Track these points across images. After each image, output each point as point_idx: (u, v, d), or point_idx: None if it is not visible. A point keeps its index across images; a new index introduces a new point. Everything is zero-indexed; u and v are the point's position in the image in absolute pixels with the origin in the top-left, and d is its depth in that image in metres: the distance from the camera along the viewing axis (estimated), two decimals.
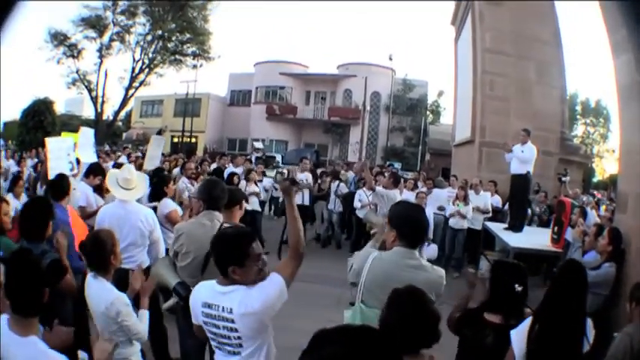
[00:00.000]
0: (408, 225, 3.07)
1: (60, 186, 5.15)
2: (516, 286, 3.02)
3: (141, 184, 5.45)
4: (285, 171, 3.09)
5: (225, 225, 3.93)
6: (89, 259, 3.33)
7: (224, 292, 2.71)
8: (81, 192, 6.50)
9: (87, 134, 8.69)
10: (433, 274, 3.01)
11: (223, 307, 2.67)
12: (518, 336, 2.95)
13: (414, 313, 2.27)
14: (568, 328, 2.96)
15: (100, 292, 3.23)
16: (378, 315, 2.69)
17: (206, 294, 2.80)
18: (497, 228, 9.65)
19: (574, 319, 2.99)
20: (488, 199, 10.86)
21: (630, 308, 3.28)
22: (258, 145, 35.51)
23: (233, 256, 2.69)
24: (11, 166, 11.95)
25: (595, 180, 44.41)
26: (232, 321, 2.64)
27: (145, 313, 3.40)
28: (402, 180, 11.34)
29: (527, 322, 3.00)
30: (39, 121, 27.05)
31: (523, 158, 9.10)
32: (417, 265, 3.00)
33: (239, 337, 2.67)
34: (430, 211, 9.47)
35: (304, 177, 11.35)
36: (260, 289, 2.67)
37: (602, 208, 12.17)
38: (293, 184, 2.97)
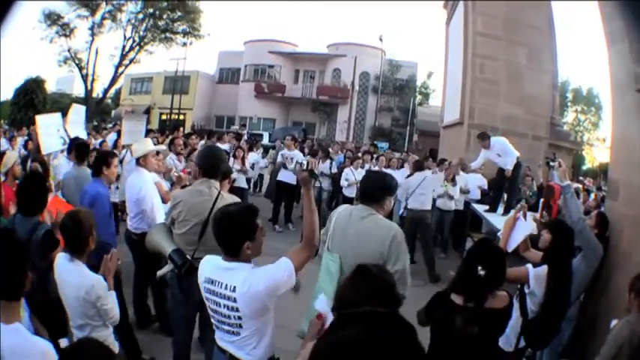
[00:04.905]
0: (362, 186, 3.70)
1: (96, 162, 5.14)
2: (479, 268, 2.98)
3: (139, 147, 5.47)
4: (304, 162, 3.14)
5: (223, 194, 3.96)
6: (67, 240, 3.23)
7: (228, 269, 2.64)
8: (62, 167, 6.73)
9: (78, 111, 8.82)
10: (381, 223, 3.44)
11: (226, 285, 2.59)
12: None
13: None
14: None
15: (78, 276, 3.13)
16: (335, 259, 3.42)
17: (210, 269, 2.73)
18: (485, 210, 9.73)
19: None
20: (469, 180, 10.80)
21: (630, 299, 3.31)
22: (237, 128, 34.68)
23: (246, 232, 2.64)
24: (2, 144, 11.90)
25: (584, 168, 44.62)
26: (234, 300, 2.56)
27: (113, 294, 3.26)
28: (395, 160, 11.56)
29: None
30: (30, 100, 27.38)
31: (507, 160, 8.97)
32: (366, 215, 3.45)
33: (239, 317, 2.59)
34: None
35: (293, 155, 11.20)
36: (267, 270, 2.63)
37: (592, 195, 12.24)
38: (312, 176, 2.94)
